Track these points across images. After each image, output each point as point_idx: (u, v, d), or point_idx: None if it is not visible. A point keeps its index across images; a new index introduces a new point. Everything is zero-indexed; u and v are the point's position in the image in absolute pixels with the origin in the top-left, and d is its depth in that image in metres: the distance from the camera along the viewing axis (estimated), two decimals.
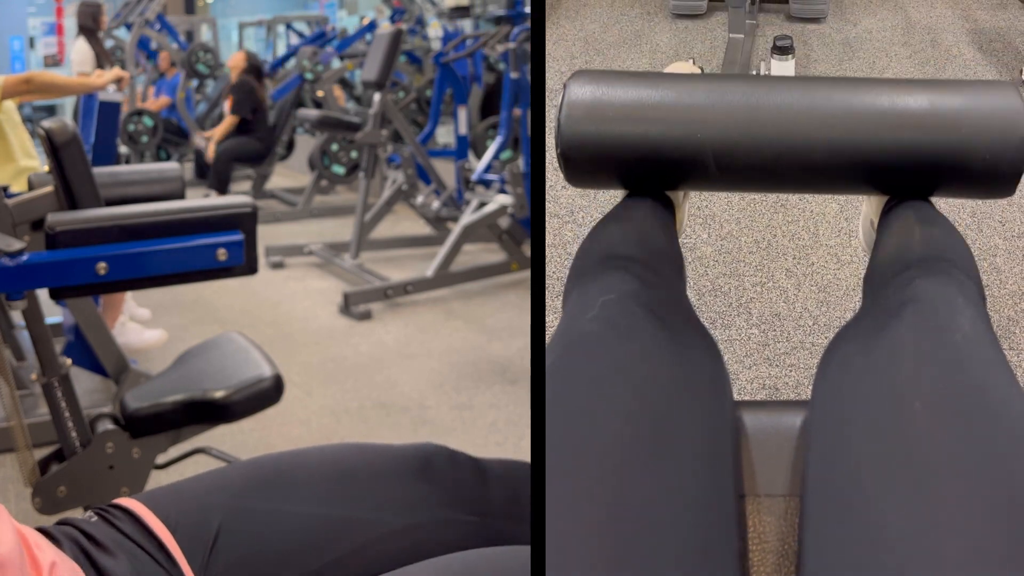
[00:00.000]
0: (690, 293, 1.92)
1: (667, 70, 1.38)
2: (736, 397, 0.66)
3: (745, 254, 2.01)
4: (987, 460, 0.47)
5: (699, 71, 1.37)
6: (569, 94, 0.71)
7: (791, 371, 1.75)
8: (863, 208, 1.04)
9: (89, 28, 4.87)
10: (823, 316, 1.87)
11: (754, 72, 2.31)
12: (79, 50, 4.88)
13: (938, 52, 3.13)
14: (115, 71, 3.03)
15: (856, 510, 0.47)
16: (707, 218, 2.10)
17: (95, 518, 0.82)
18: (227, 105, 6.32)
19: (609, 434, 0.51)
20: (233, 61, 6.26)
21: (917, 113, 0.68)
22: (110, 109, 2.90)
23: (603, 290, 0.64)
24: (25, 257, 1.28)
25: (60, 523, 0.82)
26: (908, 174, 0.71)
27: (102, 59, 4.73)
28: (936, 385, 0.54)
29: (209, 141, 6.14)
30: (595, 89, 0.70)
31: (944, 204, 2.35)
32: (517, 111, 4.69)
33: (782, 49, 2.33)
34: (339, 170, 5.92)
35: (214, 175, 5.96)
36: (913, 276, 0.65)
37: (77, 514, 0.90)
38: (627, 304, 0.63)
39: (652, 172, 0.71)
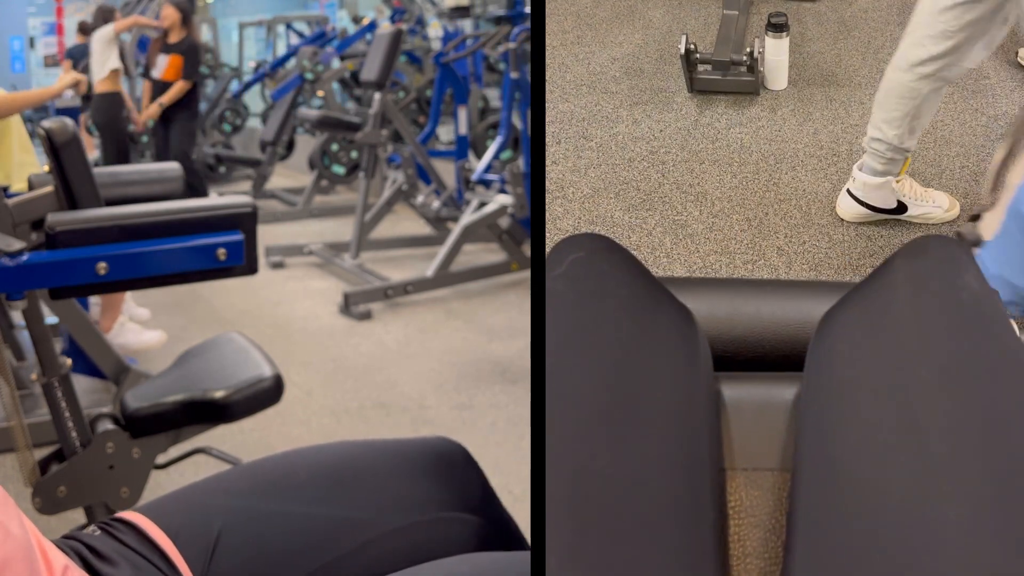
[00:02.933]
0: (680, 270, 1.91)
1: None
2: None
3: (736, 232, 2.00)
4: (993, 429, 0.46)
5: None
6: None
7: None
8: None
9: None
10: None
11: (748, 50, 2.30)
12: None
13: None
14: (72, 75, 3.02)
15: (854, 480, 0.46)
16: (698, 196, 2.09)
17: (98, 532, 0.83)
18: (167, 65, 5.52)
19: (570, 400, 0.49)
20: (168, 19, 5.47)
21: None
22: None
23: (574, 247, 0.61)
24: (25, 257, 1.28)
25: (65, 537, 0.83)
26: None
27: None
28: (943, 350, 0.52)
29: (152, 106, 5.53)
30: None
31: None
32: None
33: (776, 27, 2.32)
34: (339, 170, 5.92)
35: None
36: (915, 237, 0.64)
37: (79, 516, 0.91)
38: (596, 263, 0.60)
39: None
